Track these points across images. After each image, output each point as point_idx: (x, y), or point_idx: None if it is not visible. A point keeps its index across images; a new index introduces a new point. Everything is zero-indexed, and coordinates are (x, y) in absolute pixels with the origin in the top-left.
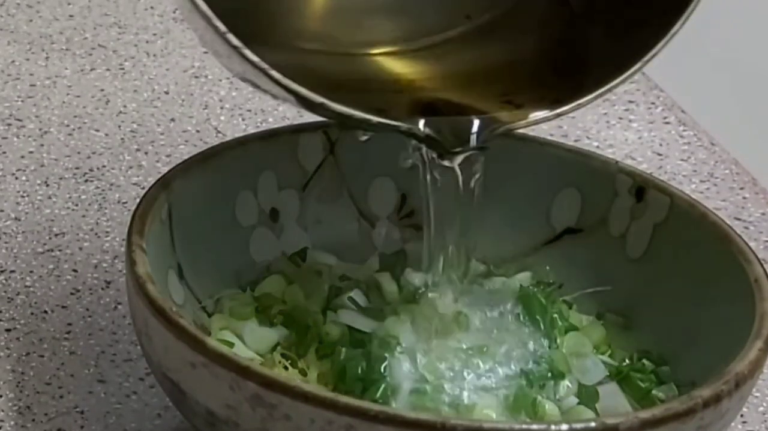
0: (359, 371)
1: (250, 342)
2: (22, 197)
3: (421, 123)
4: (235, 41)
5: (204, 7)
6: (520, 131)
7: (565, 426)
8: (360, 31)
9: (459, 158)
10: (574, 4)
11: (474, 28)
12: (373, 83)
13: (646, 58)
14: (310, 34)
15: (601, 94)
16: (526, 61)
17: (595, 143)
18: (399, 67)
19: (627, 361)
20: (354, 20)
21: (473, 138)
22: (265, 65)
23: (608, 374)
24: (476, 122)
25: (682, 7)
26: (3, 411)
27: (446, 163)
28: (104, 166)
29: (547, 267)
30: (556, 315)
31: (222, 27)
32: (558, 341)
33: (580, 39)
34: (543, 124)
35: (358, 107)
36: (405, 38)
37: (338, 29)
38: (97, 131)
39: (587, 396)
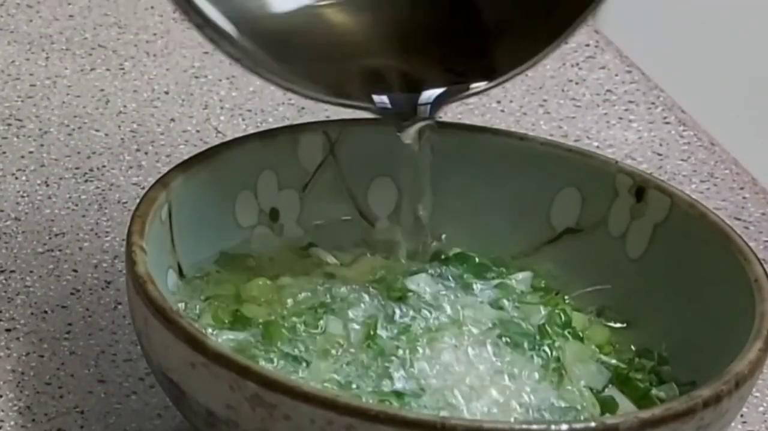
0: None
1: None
2: (22, 197)
3: (375, 98)
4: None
5: None
6: (521, 130)
7: (564, 426)
8: None
9: (411, 131)
10: None
11: None
12: (323, 48)
13: (578, 21)
14: None
15: (537, 61)
16: (460, 25)
17: (595, 143)
18: (340, 20)
19: (627, 361)
20: None
21: (422, 110)
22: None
23: (610, 376)
24: (422, 95)
25: None
26: (3, 411)
27: (404, 138)
28: (104, 166)
29: (548, 267)
30: (554, 328)
31: None
32: (560, 356)
33: (510, 5)
34: (542, 124)
35: (316, 84)
36: None
37: None
38: (97, 131)
39: (607, 409)
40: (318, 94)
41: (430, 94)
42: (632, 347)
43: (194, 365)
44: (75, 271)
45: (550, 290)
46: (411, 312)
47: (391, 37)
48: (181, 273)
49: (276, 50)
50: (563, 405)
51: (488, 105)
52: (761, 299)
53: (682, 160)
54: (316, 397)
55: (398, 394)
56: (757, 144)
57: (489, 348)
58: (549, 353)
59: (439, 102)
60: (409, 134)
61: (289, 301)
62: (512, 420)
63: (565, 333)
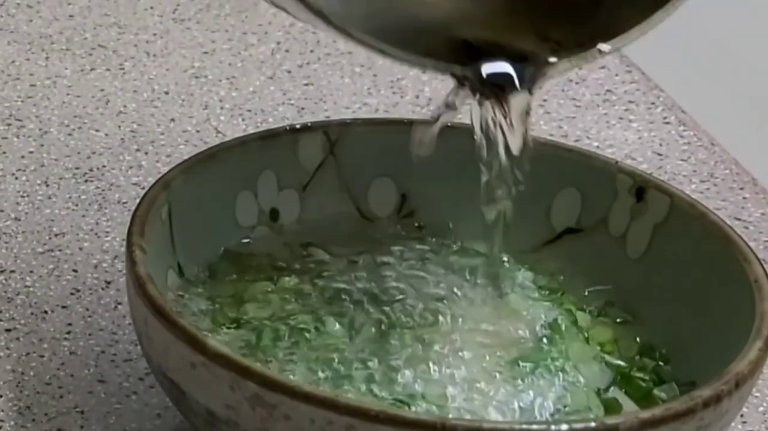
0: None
1: None
2: (22, 197)
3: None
4: None
5: None
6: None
7: (564, 426)
8: None
9: (515, 103)
10: None
11: None
12: (412, 24)
13: None
14: None
15: (646, 28)
16: None
17: (595, 143)
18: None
19: (629, 359)
20: None
21: (517, 81)
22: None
23: (613, 375)
24: (516, 66)
25: None
26: (3, 411)
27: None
28: (104, 166)
29: (549, 267)
30: (558, 327)
31: None
32: (563, 356)
33: None
34: (542, 124)
35: (409, 50)
36: None
37: None
38: (97, 131)
39: (611, 410)
40: (409, 55)
41: (524, 67)
42: (637, 339)
43: (194, 365)
44: (75, 271)
45: (555, 290)
46: (411, 312)
47: (483, 6)
48: (181, 273)
49: (363, 16)
50: (565, 405)
51: None
52: (761, 299)
53: (682, 160)
54: (316, 397)
55: (397, 397)
56: (757, 144)
57: (490, 347)
58: (552, 353)
59: (534, 75)
60: (514, 107)
61: (289, 302)
62: (512, 419)
63: (569, 332)
